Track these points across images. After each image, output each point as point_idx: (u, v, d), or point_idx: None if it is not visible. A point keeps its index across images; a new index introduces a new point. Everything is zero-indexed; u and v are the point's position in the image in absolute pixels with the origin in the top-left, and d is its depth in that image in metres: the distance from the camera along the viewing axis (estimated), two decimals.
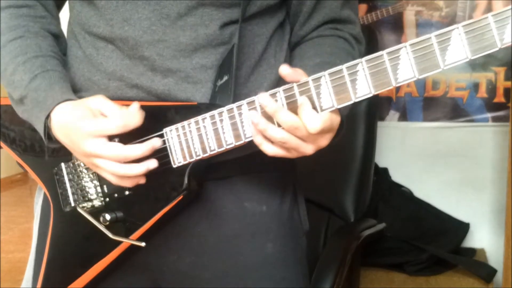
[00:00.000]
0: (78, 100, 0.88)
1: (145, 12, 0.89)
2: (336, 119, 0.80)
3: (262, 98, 0.77)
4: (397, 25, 2.42)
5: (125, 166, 0.84)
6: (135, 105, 0.85)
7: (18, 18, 0.95)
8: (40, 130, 0.89)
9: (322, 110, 0.77)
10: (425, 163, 2.50)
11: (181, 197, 0.86)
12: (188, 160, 0.85)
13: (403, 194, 2.45)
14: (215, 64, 0.90)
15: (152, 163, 0.84)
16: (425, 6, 2.37)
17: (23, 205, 4.89)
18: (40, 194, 1.05)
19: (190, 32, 0.89)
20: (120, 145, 0.83)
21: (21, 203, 5.00)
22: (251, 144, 0.92)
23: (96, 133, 0.83)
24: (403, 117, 2.52)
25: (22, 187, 5.58)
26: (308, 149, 0.80)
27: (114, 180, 0.87)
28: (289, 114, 0.77)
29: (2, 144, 1.03)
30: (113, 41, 0.91)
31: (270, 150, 0.80)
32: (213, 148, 0.83)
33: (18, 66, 0.91)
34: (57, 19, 1.01)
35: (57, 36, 0.99)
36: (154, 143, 0.85)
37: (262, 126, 0.78)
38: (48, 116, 0.87)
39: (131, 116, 0.83)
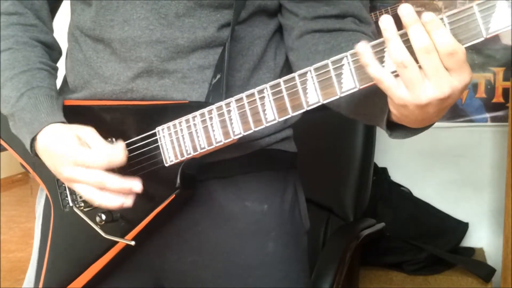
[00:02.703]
0: (67, 125, 0.88)
1: (143, 11, 0.89)
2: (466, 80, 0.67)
3: (404, 8, 0.68)
4: (396, 25, 2.42)
5: (101, 196, 0.83)
6: (121, 145, 0.85)
7: (7, 28, 0.95)
8: (27, 147, 0.90)
9: (308, 106, 0.76)
10: (424, 163, 2.51)
11: (173, 196, 0.86)
12: (180, 158, 0.85)
13: (402, 194, 2.46)
14: (212, 64, 0.90)
15: (128, 201, 0.83)
16: (424, 7, 2.38)
17: (24, 205, 4.90)
18: (42, 194, 1.05)
19: (188, 34, 0.89)
20: (100, 172, 0.83)
21: (21, 203, 5.01)
22: (251, 144, 0.93)
23: (78, 163, 0.83)
24: None
25: (22, 187, 5.59)
26: (427, 91, 0.67)
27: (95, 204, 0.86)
28: (426, 33, 0.66)
29: (6, 145, 1.04)
30: (111, 43, 0.91)
31: (376, 72, 0.68)
32: (203, 146, 0.83)
33: (6, 81, 0.91)
34: (49, 26, 1.01)
35: (48, 45, 0.99)
36: (133, 185, 0.83)
37: (390, 33, 0.67)
38: (34, 138, 0.88)
39: (117, 154, 0.83)
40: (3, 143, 1.05)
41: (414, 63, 0.67)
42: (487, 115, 2.43)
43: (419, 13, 0.71)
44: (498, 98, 2.41)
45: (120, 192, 0.83)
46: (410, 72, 0.67)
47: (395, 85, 0.69)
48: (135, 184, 0.83)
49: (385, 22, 0.68)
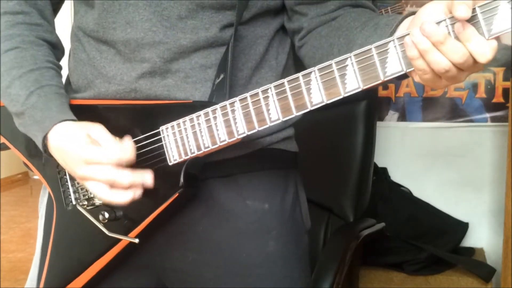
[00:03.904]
0: (78, 123, 0.89)
1: (146, 13, 0.90)
2: None
3: (429, 26, 0.66)
4: None
5: (112, 194, 0.84)
6: (129, 142, 0.86)
7: (13, 27, 0.95)
8: (39, 145, 0.90)
9: (312, 106, 0.76)
10: (424, 163, 2.51)
11: (176, 195, 0.87)
12: (184, 157, 0.86)
13: (402, 194, 2.45)
14: (214, 64, 0.91)
15: (137, 193, 0.85)
16: None
17: (24, 205, 4.91)
18: (44, 194, 1.06)
19: (190, 35, 0.89)
20: (111, 169, 0.84)
21: (21, 203, 5.01)
22: (252, 143, 0.93)
23: (89, 161, 0.84)
24: (402, 117, 2.53)
25: (22, 187, 5.60)
26: (463, 77, 0.71)
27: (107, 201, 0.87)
28: (459, 43, 0.67)
29: (8, 144, 1.04)
30: (115, 44, 0.92)
31: (425, 76, 0.71)
32: (207, 145, 0.84)
33: (13, 80, 0.91)
34: (53, 26, 1.01)
35: (53, 44, 0.99)
36: (145, 178, 0.85)
37: (425, 45, 0.67)
38: (45, 136, 0.88)
39: (126, 151, 0.85)
40: (5, 141, 1.05)
41: (454, 68, 0.68)
42: (487, 115, 2.43)
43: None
44: (498, 98, 2.42)
45: (132, 187, 0.84)
46: (451, 73, 0.69)
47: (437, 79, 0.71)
48: (147, 177, 0.85)
49: (417, 36, 0.68)
